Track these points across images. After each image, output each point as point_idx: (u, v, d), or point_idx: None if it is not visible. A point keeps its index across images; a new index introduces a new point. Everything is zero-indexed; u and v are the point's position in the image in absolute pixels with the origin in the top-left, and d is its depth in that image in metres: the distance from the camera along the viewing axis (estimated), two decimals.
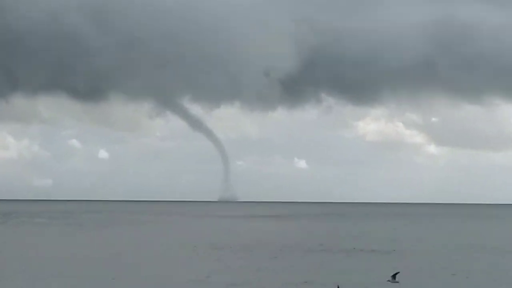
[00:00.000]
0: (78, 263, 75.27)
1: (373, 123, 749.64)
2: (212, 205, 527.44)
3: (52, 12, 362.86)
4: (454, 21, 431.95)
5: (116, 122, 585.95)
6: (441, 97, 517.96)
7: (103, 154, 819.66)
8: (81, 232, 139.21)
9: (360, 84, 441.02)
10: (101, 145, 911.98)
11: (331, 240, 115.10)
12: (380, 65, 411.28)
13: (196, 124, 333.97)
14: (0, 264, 73.75)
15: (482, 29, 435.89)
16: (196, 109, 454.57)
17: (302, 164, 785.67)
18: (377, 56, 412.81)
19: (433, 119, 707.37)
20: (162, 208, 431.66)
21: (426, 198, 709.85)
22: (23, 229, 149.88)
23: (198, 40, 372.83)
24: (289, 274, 65.86)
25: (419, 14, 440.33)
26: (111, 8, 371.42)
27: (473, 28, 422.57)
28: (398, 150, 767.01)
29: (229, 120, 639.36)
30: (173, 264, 75.24)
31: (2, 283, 59.57)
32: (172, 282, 60.52)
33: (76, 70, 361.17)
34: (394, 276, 45.40)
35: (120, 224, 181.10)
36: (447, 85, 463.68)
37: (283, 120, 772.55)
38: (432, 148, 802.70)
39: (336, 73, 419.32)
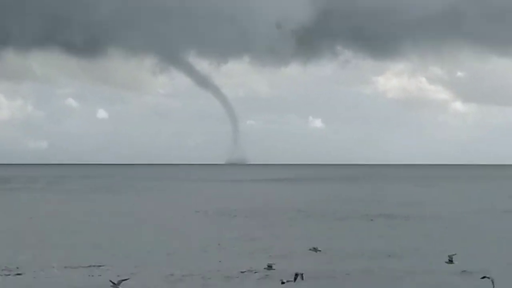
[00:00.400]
0: (76, 232, 76.17)
1: (394, 78, 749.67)
2: (220, 168, 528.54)
3: None
4: None
5: (115, 79, 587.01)
6: (467, 50, 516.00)
7: (102, 114, 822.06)
8: (79, 199, 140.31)
9: (380, 36, 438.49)
10: (99, 105, 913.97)
11: (348, 205, 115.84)
12: (400, 15, 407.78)
13: (202, 81, 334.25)
14: None
15: None
16: (202, 64, 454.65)
17: (317, 123, 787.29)
18: (397, 5, 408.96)
19: (459, 73, 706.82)
20: (167, 172, 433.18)
21: (452, 159, 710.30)
22: (16, 196, 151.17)
23: None
24: (304, 241, 66.54)
25: None
26: None
27: None
28: (422, 108, 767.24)
29: (238, 76, 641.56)
30: (181, 232, 75.95)
31: None
32: (181, 251, 61.04)
33: (71, 23, 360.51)
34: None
35: (122, 190, 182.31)
36: (474, 37, 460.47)
37: (296, 76, 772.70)
38: (459, 105, 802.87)
39: (353, 24, 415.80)
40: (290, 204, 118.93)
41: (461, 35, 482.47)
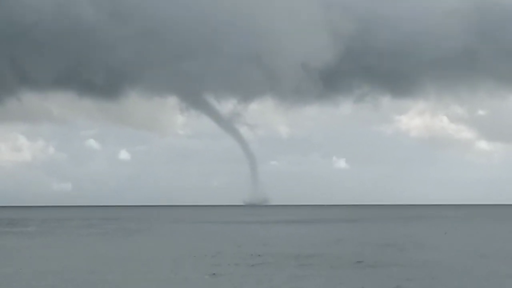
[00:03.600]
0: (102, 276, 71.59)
1: (416, 118, 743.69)
2: (243, 209, 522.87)
3: (64, 4, 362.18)
4: (494, 7, 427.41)
5: (136, 120, 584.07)
6: (485, 88, 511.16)
7: (124, 155, 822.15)
8: (109, 241, 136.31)
9: (400, 75, 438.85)
10: (121, 146, 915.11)
11: (377, 250, 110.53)
12: (417, 55, 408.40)
13: (222, 121, 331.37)
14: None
15: None
16: (224, 105, 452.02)
17: (341, 163, 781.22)
18: (412, 46, 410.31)
19: (480, 112, 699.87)
20: (190, 213, 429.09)
21: (481, 199, 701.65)
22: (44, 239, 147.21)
23: (222, 29, 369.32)
24: None
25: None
26: None
27: None
28: (446, 147, 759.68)
29: (261, 116, 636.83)
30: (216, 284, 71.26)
31: None
32: None
33: (90, 64, 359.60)
34: None
35: (148, 232, 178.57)
36: (490, 75, 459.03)
37: (320, 115, 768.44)
38: (484, 144, 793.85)
39: (375, 64, 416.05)
40: (305, 248, 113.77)
41: (477, 73, 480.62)
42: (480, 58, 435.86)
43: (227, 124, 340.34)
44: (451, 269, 78.66)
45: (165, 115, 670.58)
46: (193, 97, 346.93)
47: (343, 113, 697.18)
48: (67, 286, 66.37)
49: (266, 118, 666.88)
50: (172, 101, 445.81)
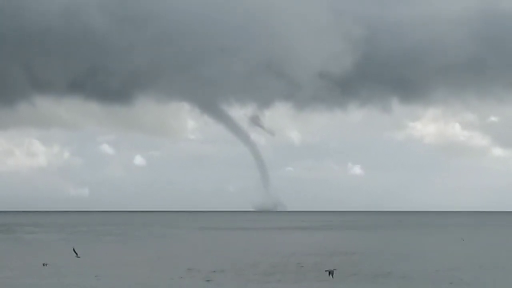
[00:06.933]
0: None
1: (430, 124, 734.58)
2: (255, 215, 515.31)
3: (76, 10, 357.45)
4: (500, 15, 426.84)
5: (148, 125, 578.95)
6: (494, 95, 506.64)
7: (139, 160, 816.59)
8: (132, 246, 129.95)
9: (412, 83, 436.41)
10: (135, 151, 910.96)
11: (395, 260, 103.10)
12: (427, 63, 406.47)
13: (235, 127, 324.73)
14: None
15: None
16: (240, 111, 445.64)
17: (356, 169, 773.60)
18: (423, 54, 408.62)
19: (492, 118, 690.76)
20: (205, 219, 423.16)
21: (498, 206, 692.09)
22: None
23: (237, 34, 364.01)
24: None
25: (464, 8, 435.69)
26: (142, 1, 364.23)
27: None
28: (460, 154, 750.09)
29: (278, 123, 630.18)
30: None
31: None
32: None
33: (104, 71, 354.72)
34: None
35: (167, 238, 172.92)
36: (498, 83, 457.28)
37: (334, 122, 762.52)
38: (499, 151, 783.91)
39: (387, 72, 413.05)
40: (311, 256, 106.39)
41: (485, 80, 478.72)
42: (488, 65, 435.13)
43: (239, 130, 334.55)
44: (465, 280, 71.32)
45: (176, 121, 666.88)
46: (206, 103, 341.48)
47: (357, 120, 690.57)
48: None
49: (281, 124, 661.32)
50: (184, 107, 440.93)
